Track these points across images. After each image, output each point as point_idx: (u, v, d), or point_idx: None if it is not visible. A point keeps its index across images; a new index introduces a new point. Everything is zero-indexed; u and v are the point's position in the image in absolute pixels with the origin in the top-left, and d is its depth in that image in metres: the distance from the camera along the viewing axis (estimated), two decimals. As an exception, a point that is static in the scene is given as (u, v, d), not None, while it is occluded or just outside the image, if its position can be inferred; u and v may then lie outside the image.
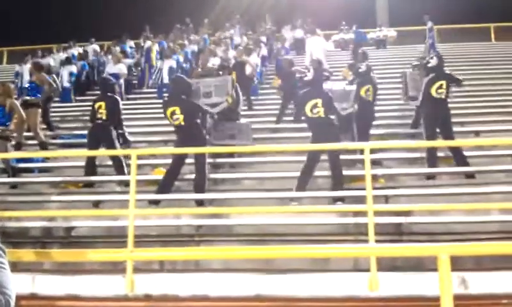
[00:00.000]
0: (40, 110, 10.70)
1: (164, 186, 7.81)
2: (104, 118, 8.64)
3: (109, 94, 8.90)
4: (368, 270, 5.18)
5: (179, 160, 7.90)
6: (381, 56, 18.44)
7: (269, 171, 9.05)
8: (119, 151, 8.61)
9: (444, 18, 20.83)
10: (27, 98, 10.63)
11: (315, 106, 7.84)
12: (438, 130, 8.60)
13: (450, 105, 8.91)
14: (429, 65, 8.76)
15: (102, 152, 8.84)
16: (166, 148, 9.79)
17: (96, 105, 8.73)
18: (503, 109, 11.73)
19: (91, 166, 8.60)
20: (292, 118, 11.19)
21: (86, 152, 8.93)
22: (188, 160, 8.11)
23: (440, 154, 8.53)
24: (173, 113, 7.88)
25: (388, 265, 5.73)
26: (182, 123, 7.86)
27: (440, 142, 8.72)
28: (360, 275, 5.29)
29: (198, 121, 8.17)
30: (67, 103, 14.68)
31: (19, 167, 9.24)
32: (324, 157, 7.91)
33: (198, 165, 7.83)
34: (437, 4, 22.64)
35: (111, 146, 8.56)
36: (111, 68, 14.32)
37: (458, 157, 8.23)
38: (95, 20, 24.10)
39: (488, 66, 15.76)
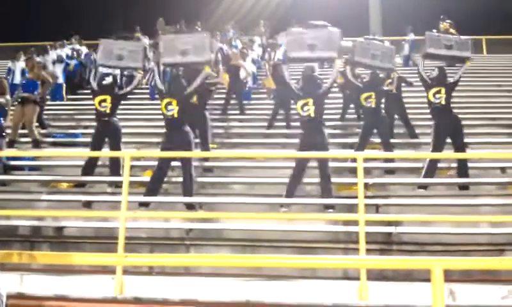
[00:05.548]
0: (37, 107, 10.56)
1: (153, 187, 7.74)
2: (108, 111, 8.57)
3: (109, 88, 8.74)
4: (357, 278, 5.20)
5: (167, 160, 7.86)
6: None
7: (259, 177, 8.98)
8: (112, 153, 8.55)
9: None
10: (24, 94, 10.51)
11: (305, 104, 7.81)
12: (449, 140, 8.52)
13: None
14: (431, 76, 8.81)
15: (98, 153, 8.72)
16: (160, 152, 9.68)
17: (98, 99, 8.61)
18: (492, 121, 11.85)
19: (90, 166, 8.50)
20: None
21: (79, 153, 8.85)
22: (175, 163, 8.10)
23: (440, 165, 8.55)
24: (168, 104, 7.81)
25: (378, 274, 5.77)
26: (175, 116, 7.80)
27: (426, 155, 8.69)
28: (349, 283, 5.31)
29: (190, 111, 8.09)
30: (58, 101, 14.63)
31: (10, 164, 9.17)
32: (313, 163, 7.92)
33: (185, 167, 7.76)
34: (429, 15, 22.74)
35: (116, 143, 8.53)
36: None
37: (460, 168, 8.28)
38: (85, 19, 23.92)
39: (480, 78, 15.87)
